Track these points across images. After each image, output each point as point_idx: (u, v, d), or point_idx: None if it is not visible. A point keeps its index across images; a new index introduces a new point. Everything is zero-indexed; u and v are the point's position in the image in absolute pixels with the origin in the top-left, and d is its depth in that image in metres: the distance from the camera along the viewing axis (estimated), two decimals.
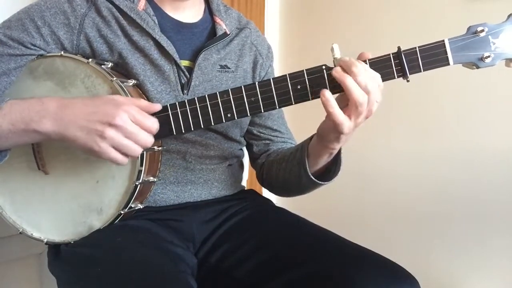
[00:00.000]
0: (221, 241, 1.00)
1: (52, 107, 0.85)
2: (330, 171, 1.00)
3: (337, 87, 0.85)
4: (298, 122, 1.22)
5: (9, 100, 0.87)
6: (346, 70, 0.83)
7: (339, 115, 0.84)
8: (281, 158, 1.07)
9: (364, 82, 0.82)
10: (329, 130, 0.88)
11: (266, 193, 1.26)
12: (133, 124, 0.84)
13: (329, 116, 0.85)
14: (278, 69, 1.21)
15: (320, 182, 0.99)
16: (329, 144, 0.92)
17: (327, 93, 0.84)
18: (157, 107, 0.89)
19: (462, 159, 1.80)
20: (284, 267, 0.91)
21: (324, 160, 0.96)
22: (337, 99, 0.86)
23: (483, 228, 1.77)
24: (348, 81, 0.82)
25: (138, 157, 0.87)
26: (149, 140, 0.86)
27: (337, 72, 0.84)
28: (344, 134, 0.86)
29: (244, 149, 1.19)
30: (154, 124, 0.86)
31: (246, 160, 1.23)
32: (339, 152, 0.96)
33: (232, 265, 0.96)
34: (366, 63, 0.85)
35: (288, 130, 1.20)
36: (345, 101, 0.85)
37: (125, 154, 0.85)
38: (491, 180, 1.74)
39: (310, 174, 0.97)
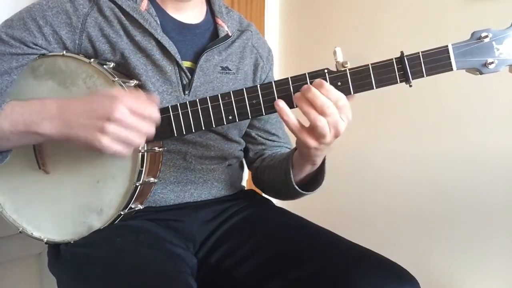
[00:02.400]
0: (221, 241, 1.00)
1: (53, 108, 0.84)
2: (316, 179, 1.00)
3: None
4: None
5: (10, 101, 0.87)
6: (304, 95, 0.84)
7: (299, 133, 0.85)
8: (272, 166, 1.07)
9: (320, 106, 0.82)
10: (302, 145, 0.88)
11: None
12: (132, 116, 0.82)
13: (287, 126, 0.86)
14: (278, 69, 1.21)
15: (302, 192, 0.99)
16: (307, 157, 0.92)
17: (280, 103, 0.85)
18: (155, 99, 0.88)
19: (462, 160, 1.80)
20: (284, 267, 0.91)
21: (308, 170, 0.97)
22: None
23: (483, 228, 1.77)
24: (304, 107, 0.83)
25: (143, 145, 0.86)
26: (150, 128, 0.85)
27: (296, 98, 0.85)
28: (313, 150, 0.87)
29: None
30: (153, 111, 0.85)
31: None
32: (323, 162, 0.97)
33: (232, 265, 0.96)
34: (369, 68, 0.84)
35: (285, 134, 1.20)
36: None
37: (128, 145, 0.84)
38: (491, 181, 1.74)
39: (294, 184, 0.98)
